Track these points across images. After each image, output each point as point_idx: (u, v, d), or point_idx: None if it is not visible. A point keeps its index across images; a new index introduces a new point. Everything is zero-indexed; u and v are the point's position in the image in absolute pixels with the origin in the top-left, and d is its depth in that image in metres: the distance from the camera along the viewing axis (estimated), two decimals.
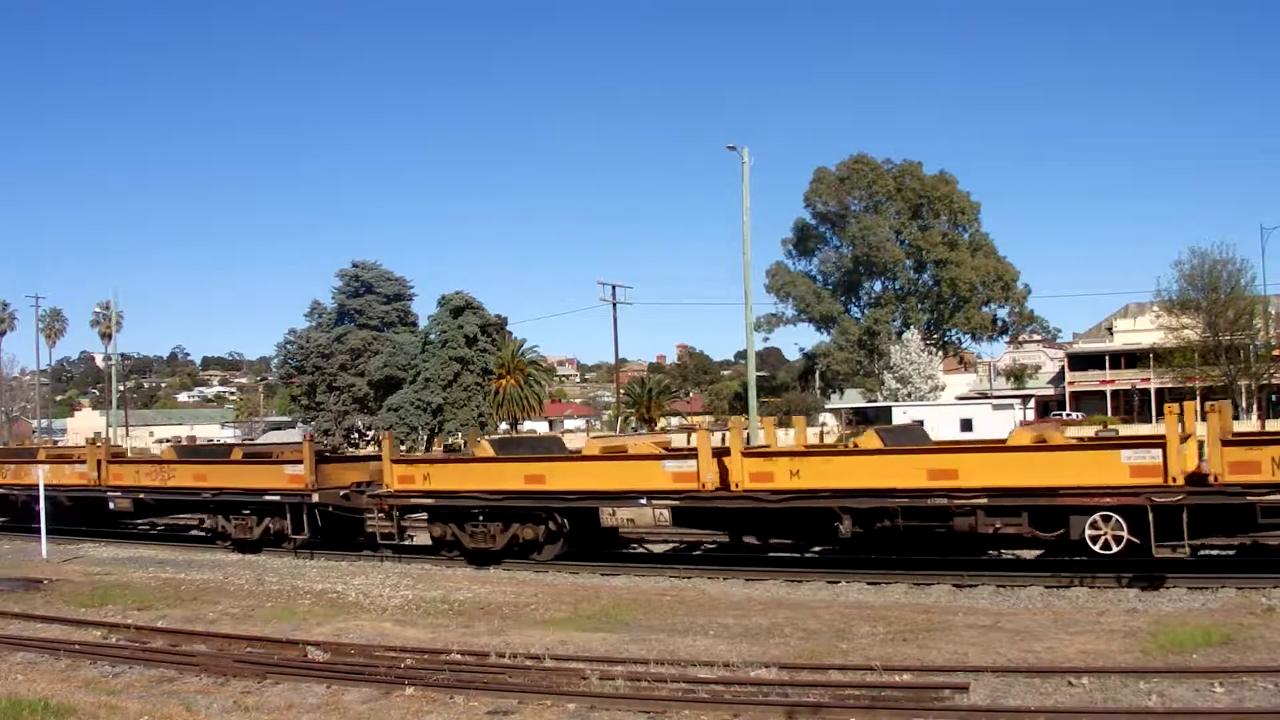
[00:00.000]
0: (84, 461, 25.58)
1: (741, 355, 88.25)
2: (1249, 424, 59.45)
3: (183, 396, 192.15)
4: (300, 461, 21.39)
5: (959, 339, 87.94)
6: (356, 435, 72.75)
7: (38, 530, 23.40)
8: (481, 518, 19.28)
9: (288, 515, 21.48)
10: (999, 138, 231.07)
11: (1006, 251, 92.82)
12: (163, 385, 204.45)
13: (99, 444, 26.71)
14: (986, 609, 13.97)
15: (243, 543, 22.63)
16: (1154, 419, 78.49)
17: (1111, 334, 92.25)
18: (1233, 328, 63.69)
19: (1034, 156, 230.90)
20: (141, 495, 24.23)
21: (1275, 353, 67.04)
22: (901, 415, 45.95)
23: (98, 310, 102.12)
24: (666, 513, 17.51)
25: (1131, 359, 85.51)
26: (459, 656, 11.71)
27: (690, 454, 17.72)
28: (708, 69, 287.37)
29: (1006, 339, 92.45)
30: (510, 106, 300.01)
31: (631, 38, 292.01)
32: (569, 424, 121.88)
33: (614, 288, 66.95)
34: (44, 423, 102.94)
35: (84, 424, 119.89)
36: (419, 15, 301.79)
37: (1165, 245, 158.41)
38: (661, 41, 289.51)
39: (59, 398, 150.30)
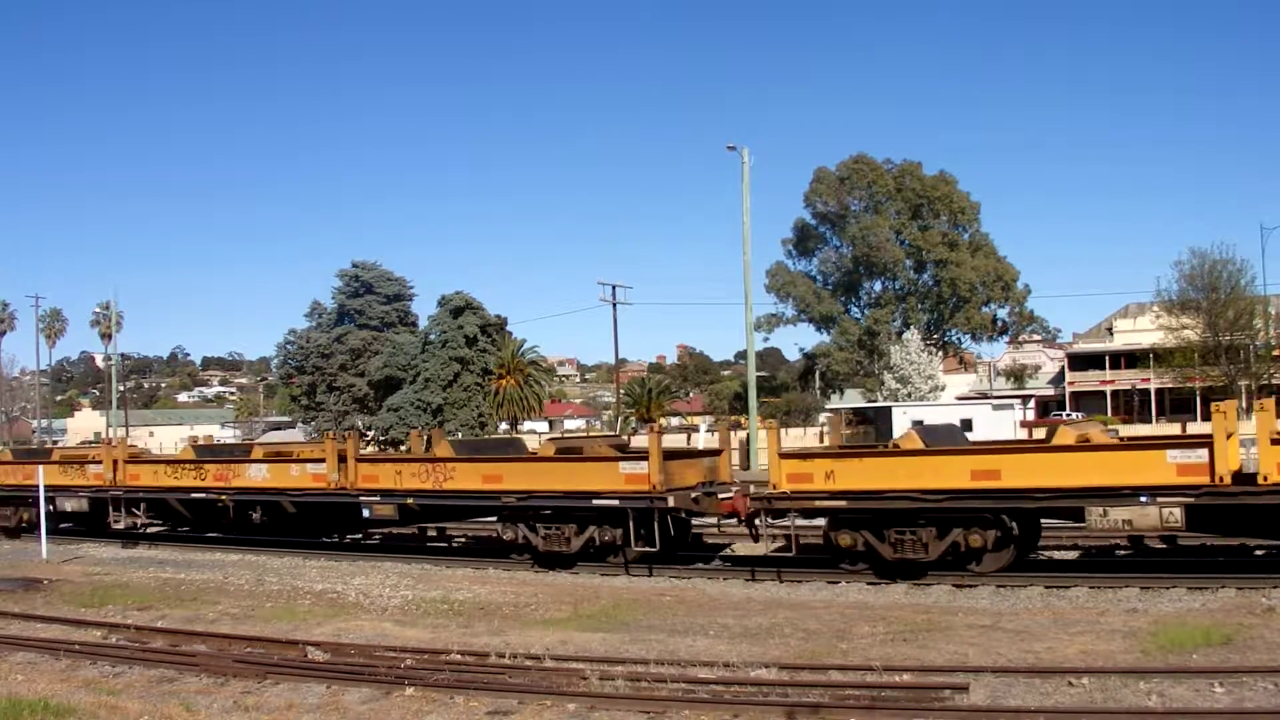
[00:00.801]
0: (321, 460, 21.55)
1: (741, 355, 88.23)
2: (1249, 425, 59.37)
3: (183, 396, 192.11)
4: (643, 458, 17.89)
5: (959, 339, 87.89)
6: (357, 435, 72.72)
7: (269, 540, 22.87)
8: (917, 522, 16.02)
9: (629, 522, 17.67)
10: (999, 138, 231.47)
11: (1006, 251, 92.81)
12: (163, 385, 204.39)
13: (346, 439, 21.68)
14: (986, 609, 13.97)
15: (551, 557, 18.78)
16: (1154, 419, 78.56)
17: (1111, 334, 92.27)
18: (1233, 328, 63.68)
19: (1034, 156, 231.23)
20: (409, 500, 19.93)
21: (1275, 353, 67.02)
22: (901, 416, 45.87)
23: (98, 310, 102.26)
24: (1178, 512, 15.10)
25: (1131, 359, 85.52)
26: (459, 656, 11.71)
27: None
28: (708, 69, 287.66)
29: (1006, 339, 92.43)
30: (510, 106, 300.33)
31: (631, 38, 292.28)
32: (568, 424, 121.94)
33: (614, 288, 67.00)
34: (44, 423, 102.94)
35: (84, 424, 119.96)
36: (419, 15, 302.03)
37: (1165, 245, 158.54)
38: (661, 41, 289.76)
39: (59, 398, 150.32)
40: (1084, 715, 8.97)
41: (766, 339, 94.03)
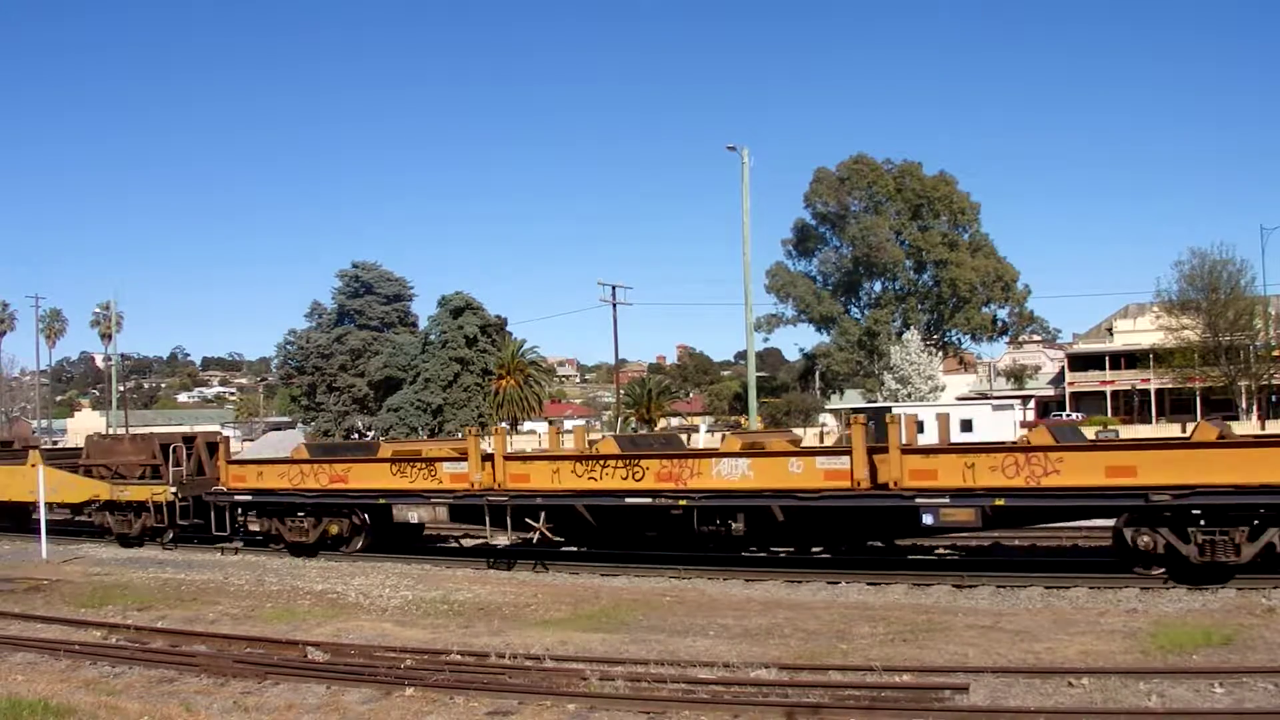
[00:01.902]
0: (835, 452, 17.60)
1: (741, 356, 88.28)
2: (1249, 425, 59.47)
3: (183, 397, 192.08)
4: None
5: (959, 339, 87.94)
6: (357, 436, 72.82)
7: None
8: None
9: None
10: (999, 138, 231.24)
11: (1006, 252, 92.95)
12: (163, 385, 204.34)
13: (889, 420, 16.57)
14: (986, 609, 13.97)
15: (1209, 569, 14.77)
16: (1154, 420, 78.59)
17: (1111, 334, 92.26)
18: (1233, 328, 63.71)
19: (1034, 156, 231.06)
20: (998, 501, 15.63)
21: (1275, 353, 67.02)
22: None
23: (98, 310, 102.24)
24: None
25: (1131, 359, 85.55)
26: (459, 657, 11.71)
27: None
28: (708, 69, 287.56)
29: (1006, 339, 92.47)
30: (510, 107, 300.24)
31: (631, 38, 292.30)
32: (568, 424, 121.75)
33: (614, 288, 66.95)
34: (44, 423, 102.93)
35: (84, 424, 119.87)
36: (419, 15, 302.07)
37: (1165, 245, 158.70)
38: (661, 41, 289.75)
39: (59, 398, 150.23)
40: (1084, 715, 8.97)
41: (766, 339, 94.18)
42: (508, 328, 76.23)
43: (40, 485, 23.65)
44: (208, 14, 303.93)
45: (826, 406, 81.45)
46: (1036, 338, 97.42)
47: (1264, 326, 66.15)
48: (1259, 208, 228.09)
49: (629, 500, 17.97)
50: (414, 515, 20.16)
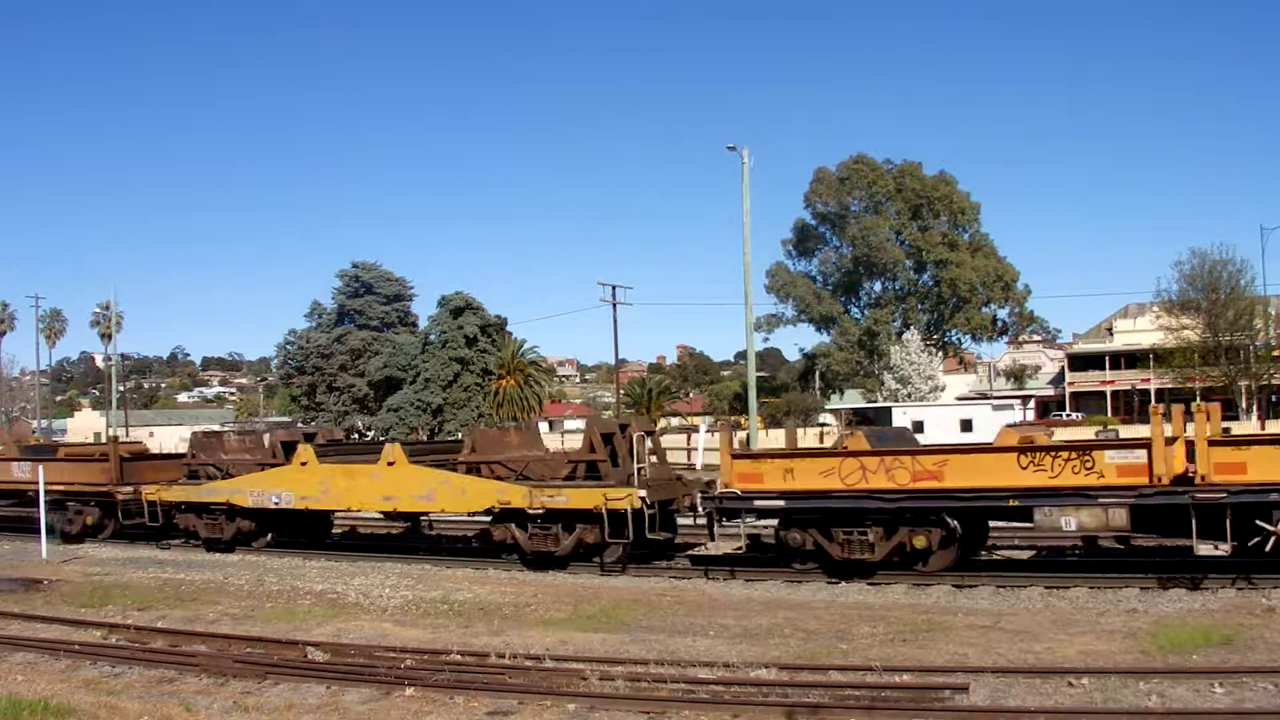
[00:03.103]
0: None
1: (741, 355, 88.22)
2: (1248, 425, 59.47)
3: (183, 397, 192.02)
4: None
5: (959, 339, 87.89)
6: (357, 436, 72.88)
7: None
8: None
9: None
10: (999, 138, 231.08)
11: (1006, 252, 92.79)
12: (163, 385, 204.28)
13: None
14: (986, 609, 13.97)
15: None
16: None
17: (1111, 334, 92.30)
18: (1233, 328, 63.70)
19: (1034, 156, 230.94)
20: None
21: (1275, 353, 67.04)
22: (901, 416, 45.84)
23: (98, 310, 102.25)
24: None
25: (1131, 359, 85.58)
26: (459, 657, 11.71)
27: None
28: (708, 69, 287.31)
29: (1006, 339, 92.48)
30: (510, 106, 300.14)
31: (632, 38, 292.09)
32: (569, 424, 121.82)
33: (614, 288, 66.91)
34: (44, 423, 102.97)
35: (84, 424, 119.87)
36: (419, 15, 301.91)
37: (1165, 245, 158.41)
38: (662, 41, 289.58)
39: (59, 398, 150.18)
40: (1084, 715, 8.97)
41: (766, 339, 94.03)
42: (508, 328, 76.26)
43: (40, 482, 23.54)
44: (207, 14, 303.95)
45: (826, 406, 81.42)
46: (1036, 338, 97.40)
47: (1264, 326, 66.15)
48: (1259, 208, 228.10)
49: None
50: (1070, 521, 15.38)
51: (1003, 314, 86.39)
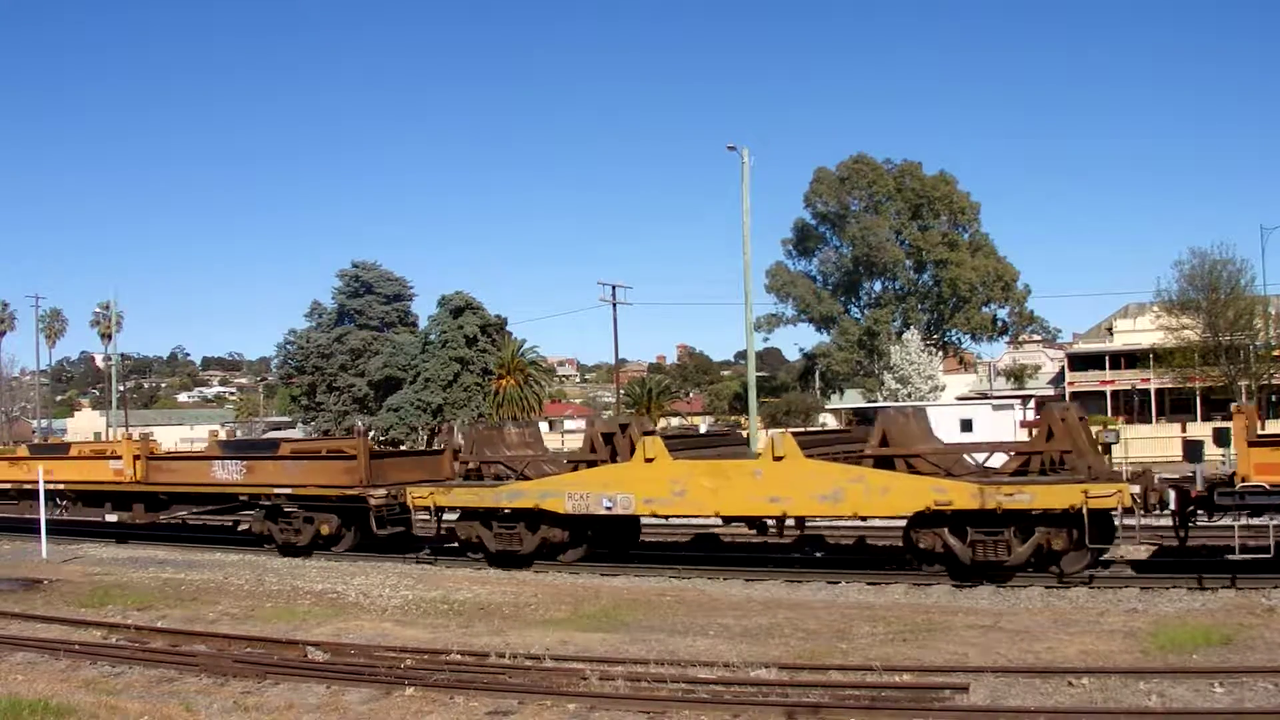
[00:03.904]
0: None
1: (741, 355, 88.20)
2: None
3: (183, 397, 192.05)
4: None
5: (959, 339, 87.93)
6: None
7: None
8: None
9: None
10: (999, 138, 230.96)
11: (1006, 251, 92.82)
12: (163, 385, 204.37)
13: None
14: (986, 609, 13.97)
15: None
16: (1154, 420, 78.58)
17: (1111, 334, 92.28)
18: (1233, 328, 63.65)
19: (1034, 156, 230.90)
20: None
21: (1275, 353, 67.04)
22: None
23: (98, 310, 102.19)
24: None
25: (1131, 359, 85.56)
26: (459, 657, 11.71)
27: None
28: (708, 69, 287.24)
29: (1006, 339, 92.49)
30: (510, 106, 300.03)
31: (632, 38, 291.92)
32: (568, 424, 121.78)
33: (614, 288, 66.93)
34: (44, 423, 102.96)
35: (84, 424, 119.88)
36: (420, 15, 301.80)
37: (1165, 245, 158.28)
38: (662, 41, 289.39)
39: (59, 398, 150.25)
40: (1084, 715, 8.97)
41: (766, 339, 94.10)
42: (508, 328, 76.21)
43: (40, 479, 23.54)
44: (207, 14, 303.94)
45: (826, 406, 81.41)
46: (1036, 338, 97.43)
47: (1264, 326, 66.13)
48: (1259, 208, 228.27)
49: None
50: None
51: (1003, 314, 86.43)
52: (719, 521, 19.72)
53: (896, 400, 63.82)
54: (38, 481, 23.72)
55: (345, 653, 12.21)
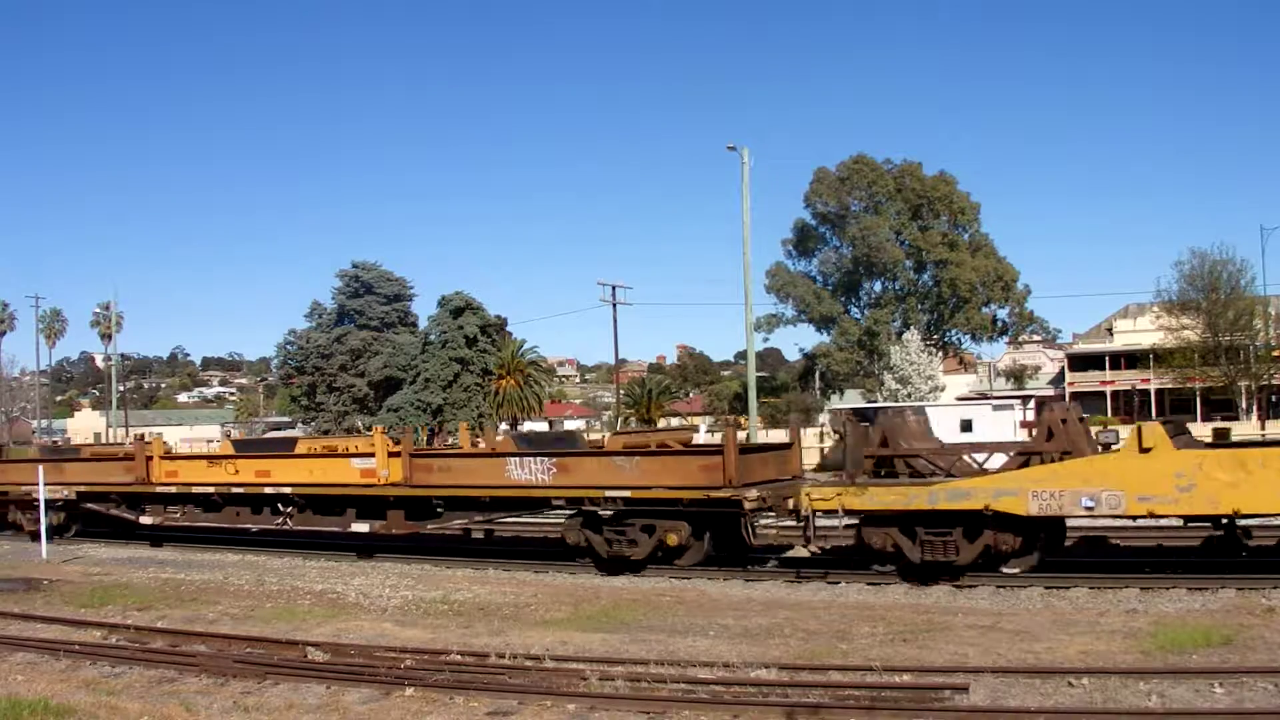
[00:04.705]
0: None
1: (741, 355, 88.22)
2: (1248, 425, 59.48)
3: (183, 397, 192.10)
4: None
5: (959, 339, 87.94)
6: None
7: None
8: None
9: None
10: (999, 138, 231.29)
11: (1006, 251, 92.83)
12: (163, 385, 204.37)
13: None
14: (986, 609, 13.96)
15: None
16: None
17: (1111, 334, 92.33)
18: (1233, 328, 63.73)
19: (1034, 156, 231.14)
20: None
21: (1275, 353, 67.06)
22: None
23: (98, 310, 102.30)
24: None
25: (1131, 359, 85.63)
26: (459, 657, 11.71)
27: None
28: (708, 69, 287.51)
29: (1006, 339, 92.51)
30: (510, 107, 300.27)
31: (632, 37, 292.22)
32: (568, 424, 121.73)
33: (614, 288, 67.01)
34: (44, 423, 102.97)
35: (84, 424, 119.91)
36: (419, 15, 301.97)
37: (1165, 245, 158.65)
38: (662, 41, 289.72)
39: (59, 398, 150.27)
40: (1084, 715, 8.97)
41: (766, 339, 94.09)
42: (508, 328, 76.36)
43: (40, 481, 23.55)
44: (207, 13, 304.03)
45: (826, 406, 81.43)
46: (1036, 338, 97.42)
47: (1264, 326, 66.17)
48: (1259, 208, 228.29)
49: None
50: None
51: (1003, 314, 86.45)
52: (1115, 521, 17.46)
53: (896, 400, 63.83)
54: (256, 485, 21.18)
55: (345, 653, 12.20)
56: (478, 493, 19.46)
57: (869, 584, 16.18)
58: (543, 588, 16.99)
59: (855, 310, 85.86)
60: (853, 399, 78.02)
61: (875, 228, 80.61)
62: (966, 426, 38.03)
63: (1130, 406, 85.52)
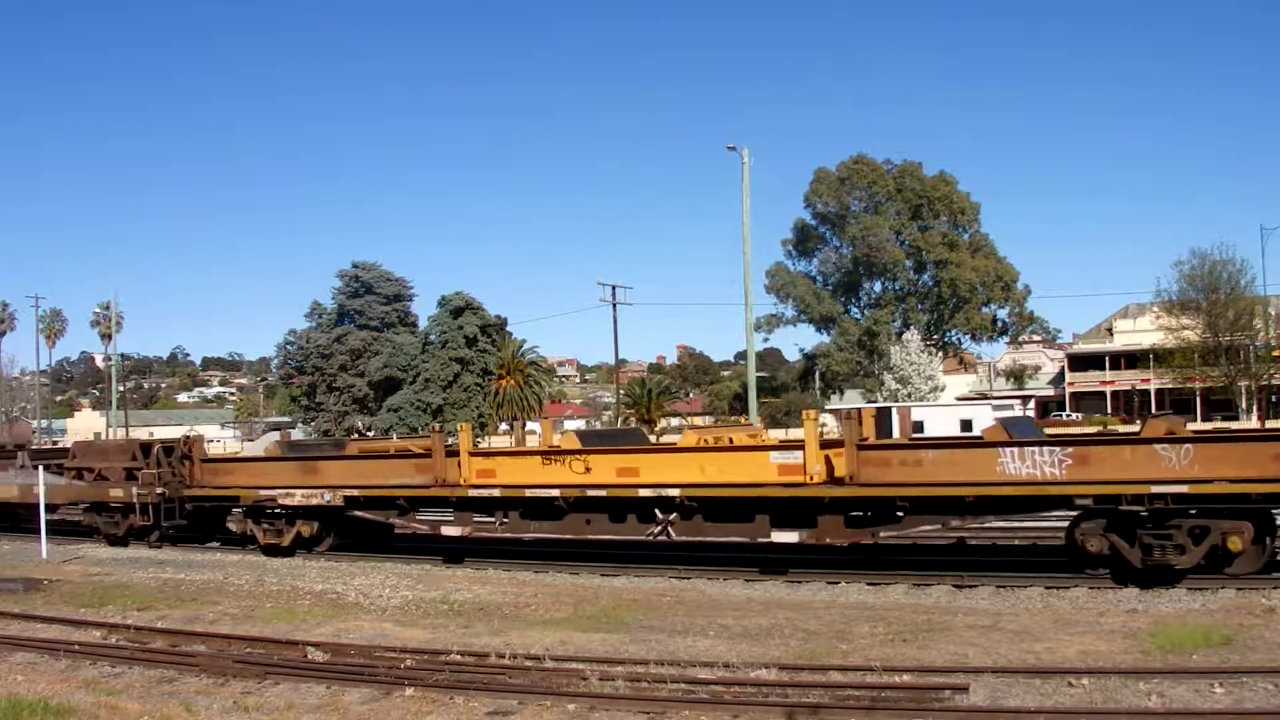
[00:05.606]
0: None
1: (741, 356, 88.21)
2: (1248, 425, 59.49)
3: (182, 397, 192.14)
4: None
5: (959, 339, 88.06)
6: (356, 435, 72.83)
7: None
8: None
9: None
10: (999, 138, 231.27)
11: (1006, 251, 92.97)
12: (163, 385, 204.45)
13: None
14: (986, 609, 13.96)
15: None
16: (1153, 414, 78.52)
17: (1111, 334, 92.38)
18: (1233, 328, 63.74)
19: (1034, 157, 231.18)
20: None
21: (1275, 353, 67.07)
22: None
23: (98, 310, 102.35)
24: None
25: (1131, 360, 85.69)
26: (459, 657, 11.70)
27: None
28: (708, 69, 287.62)
29: (1006, 339, 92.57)
30: (510, 106, 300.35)
31: (632, 38, 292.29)
32: (567, 424, 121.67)
33: (614, 288, 67.04)
34: (44, 423, 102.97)
35: (84, 424, 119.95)
36: (420, 15, 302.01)
37: (1165, 245, 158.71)
38: (662, 41, 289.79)
39: (59, 398, 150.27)
40: (1084, 715, 8.97)
41: (766, 339, 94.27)
42: (508, 328, 76.27)
43: (41, 485, 23.52)
44: (207, 13, 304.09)
45: (826, 407, 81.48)
46: (1036, 338, 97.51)
47: (1264, 326, 66.19)
48: (1259, 208, 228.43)
49: None
50: None
51: (1003, 314, 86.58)
52: None
53: (897, 400, 63.84)
54: (621, 486, 17.60)
55: (345, 653, 12.20)
56: (958, 491, 15.63)
57: (869, 584, 16.18)
58: (543, 588, 16.99)
59: (855, 310, 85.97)
60: (853, 399, 78.02)
61: (875, 228, 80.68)
62: (966, 426, 38.03)
63: (1130, 406, 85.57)
